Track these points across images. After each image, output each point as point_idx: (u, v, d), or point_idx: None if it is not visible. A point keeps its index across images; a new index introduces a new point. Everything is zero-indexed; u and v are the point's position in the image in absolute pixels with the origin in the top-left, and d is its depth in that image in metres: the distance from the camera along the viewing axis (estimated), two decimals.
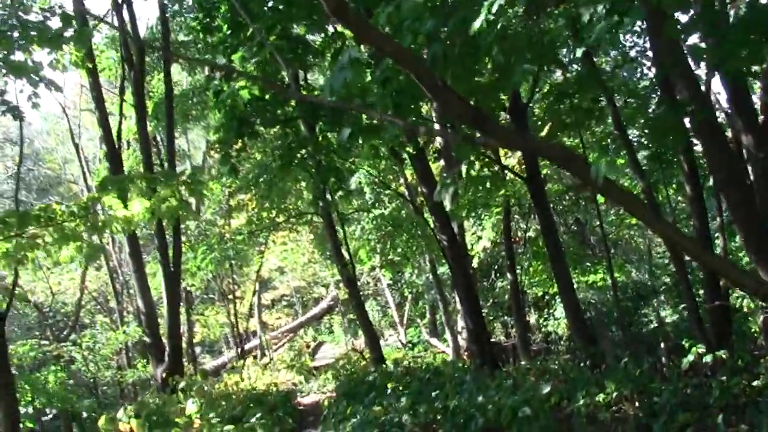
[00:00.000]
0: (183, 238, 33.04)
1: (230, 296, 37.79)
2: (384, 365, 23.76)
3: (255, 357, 39.83)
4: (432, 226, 24.48)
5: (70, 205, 13.76)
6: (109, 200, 13.97)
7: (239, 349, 35.85)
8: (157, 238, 23.72)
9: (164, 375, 21.51)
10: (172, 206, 14.39)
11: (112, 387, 36.89)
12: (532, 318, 33.43)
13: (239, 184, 27.60)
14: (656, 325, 29.93)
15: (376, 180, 30.37)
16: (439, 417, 13.47)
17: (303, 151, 18.88)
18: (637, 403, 12.89)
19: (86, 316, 43.97)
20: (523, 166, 20.33)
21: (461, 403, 13.50)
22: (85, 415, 22.67)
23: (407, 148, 21.49)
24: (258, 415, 16.46)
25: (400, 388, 15.72)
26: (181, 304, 37.08)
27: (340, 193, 20.45)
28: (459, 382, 15.81)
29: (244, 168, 27.17)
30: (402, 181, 30.21)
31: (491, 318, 33.10)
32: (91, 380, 35.06)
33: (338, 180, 18.89)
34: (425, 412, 13.39)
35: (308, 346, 45.55)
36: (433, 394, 14.42)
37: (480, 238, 30.55)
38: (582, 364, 17.60)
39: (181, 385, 16.59)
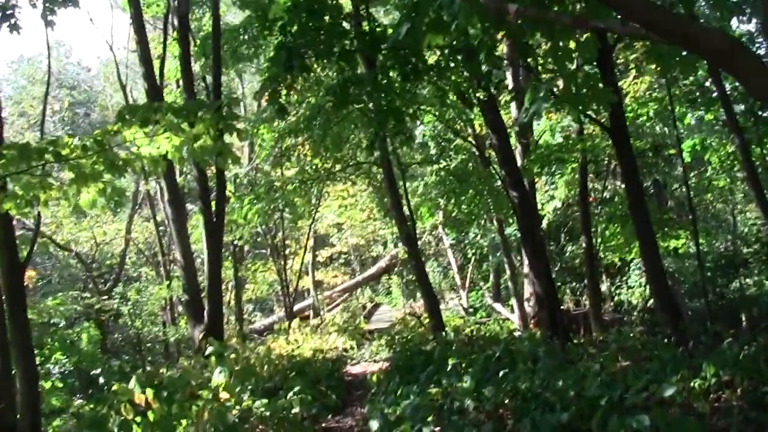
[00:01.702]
0: (231, 187, 31.32)
1: (280, 252, 35.75)
2: (444, 333, 21.63)
3: (307, 317, 38.19)
4: (501, 180, 22.34)
5: (83, 138, 11.70)
6: (132, 135, 11.92)
7: (288, 309, 33.72)
8: (198, 184, 21.74)
9: (201, 336, 19.66)
10: (208, 145, 12.33)
11: (159, 344, 35.54)
12: (604, 286, 31.28)
13: (290, 128, 25.27)
14: (738, 297, 27.95)
15: (441, 132, 28.38)
16: (507, 401, 11.29)
17: (360, 90, 16.79)
18: (739, 391, 10.64)
19: (132, 269, 42.84)
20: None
21: (533, 386, 11.28)
22: (102, 380, 20.81)
23: (477, 94, 19.50)
24: (297, 388, 14.33)
25: (463, 365, 13.35)
26: (229, 258, 35.64)
27: (399, 138, 18.17)
28: (531, 358, 13.50)
29: (297, 111, 25.29)
30: (470, 131, 28.00)
31: (559, 284, 30.98)
32: (135, 337, 33.97)
33: (398, 123, 16.61)
34: (491, 397, 11.16)
35: (364, 308, 43.75)
36: (501, 373, 12.16)
37: (552, 197, 28.73)
38: (666, 341, 15.41)
39: (209, 349, 14.53)
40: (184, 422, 11.55)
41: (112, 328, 36.86)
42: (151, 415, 11.44)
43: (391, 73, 16.29)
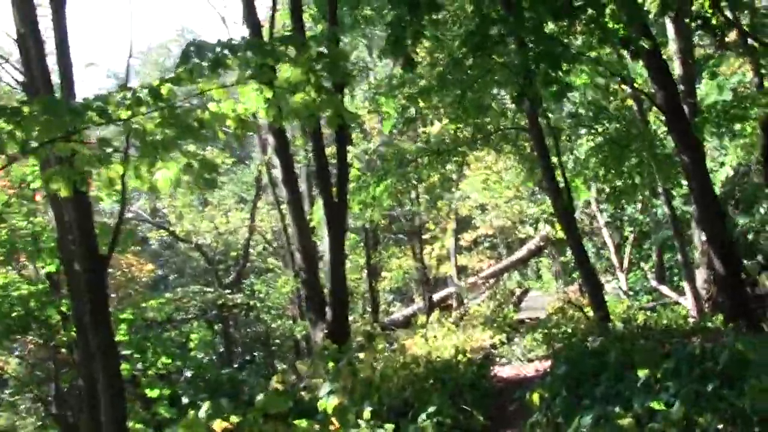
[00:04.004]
0: (359, 165, 28.80)
1: (418, 236, 32.95)
2: (611, 324, 18.41)
3: (450, 306, 35.55)
4: (675, 144, 19.10)
5: (136, 90, 8.75)
6: (207, 86, 8.99)
7: (427, 301, 30.74)
8: (314, 158, 18.97)
9: (323, 336, 16.90)
10: (311, 99, 9.36)
11: (288, 339, 33.40)
12: None
13: (421, 88, 22.13)
14: None
15: (594, 95, 25.14)
16: (721, 427, 7.88)
17: (502, 33, 13.88)
18: None
19: (258, 260, 40.96)
20: None
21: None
22: (186, 400, 18.21)
23: (640, 42, 16.54)
24: (432, 408, 11.05)
25: (657, 375, 9.74)
26: (362, 245, 33.32)
27: (553, 88, 14.88)
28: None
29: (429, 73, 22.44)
30: (629, 90, 24.68)
31: None
32: (264, 332, 32.11)
33: (553, 68, 13.41)
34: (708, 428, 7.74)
35: (512, 294, 40.74)
36: (710, 387, 8.66)
37: (722, 164, 25.32)
38: None
39: (305, 366, 11.54)
40: None
41: (241, 322, 35.12)
42: None
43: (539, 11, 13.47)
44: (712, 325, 17.73)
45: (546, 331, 21.81)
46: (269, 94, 9.22)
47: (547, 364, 17.95)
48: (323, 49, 9.51)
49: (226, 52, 8.72)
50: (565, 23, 14.80)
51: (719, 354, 9.47)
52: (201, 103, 9.51)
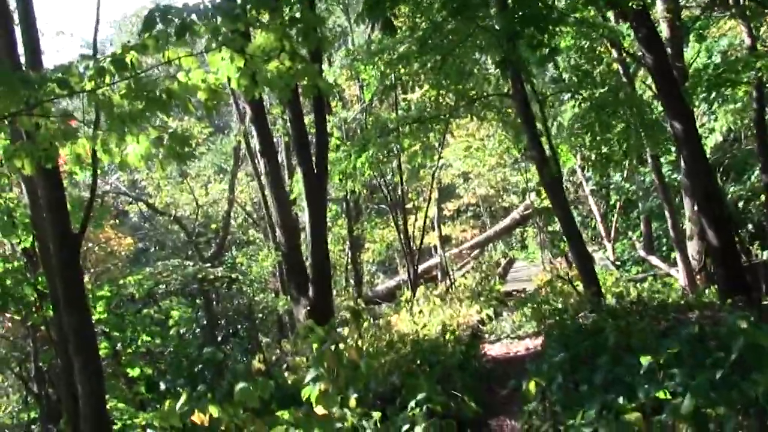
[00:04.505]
0: (338, 134, 28.21)
1: (398, 205, 32.17)
2: (602, 299, 17.70)
3: (434, 277, 35.05)
4: (664, 108, 18.44)
5: (99, 60, 8.13)
6: (172, 54, 8.34)
7: (411, 275, 29.78)
8: (292, 129, 18.34)
9: (305, 313, 16.52)
10: (285, 67, 8.69)
11: (272, 313, 32.71)
12: None
13: (402, 54, 21.49)
14: None
15: (579, 60, 24.38)
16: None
17: None
18: None
19: (239, 233, 40.44)
20: None
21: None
22: (163, 386, 17.59)
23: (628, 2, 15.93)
24: (422, 394, 10.36)
25: (660, 361, 8.99)
26: (343, 216, 32.89)
27: (539, 52, 14.19)
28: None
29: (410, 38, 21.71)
30: (615, 55, 24.02)
31: None
32: (247, 306, 31.41)
33: (539, 31, 12.77)
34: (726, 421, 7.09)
35: (498, 265, 40.17)
36: (718, 375, 7.93)
37: (712, 130, 24.80)
38: None
39: (288, 346, 10.86)
40: None
41: (224, 296, 34.47)
42: None
43: None
44: (707, 299, 17.20)
45: (535, 306, 21.08)
46: (241, 63, 8.55)
47: (538, 341, 17.42)
48: (297, 14, 8.95)
49: (193, 17, 8.04)
50: None
51: (725, 337, 8.85)
52: (173, 72, 8.88)
